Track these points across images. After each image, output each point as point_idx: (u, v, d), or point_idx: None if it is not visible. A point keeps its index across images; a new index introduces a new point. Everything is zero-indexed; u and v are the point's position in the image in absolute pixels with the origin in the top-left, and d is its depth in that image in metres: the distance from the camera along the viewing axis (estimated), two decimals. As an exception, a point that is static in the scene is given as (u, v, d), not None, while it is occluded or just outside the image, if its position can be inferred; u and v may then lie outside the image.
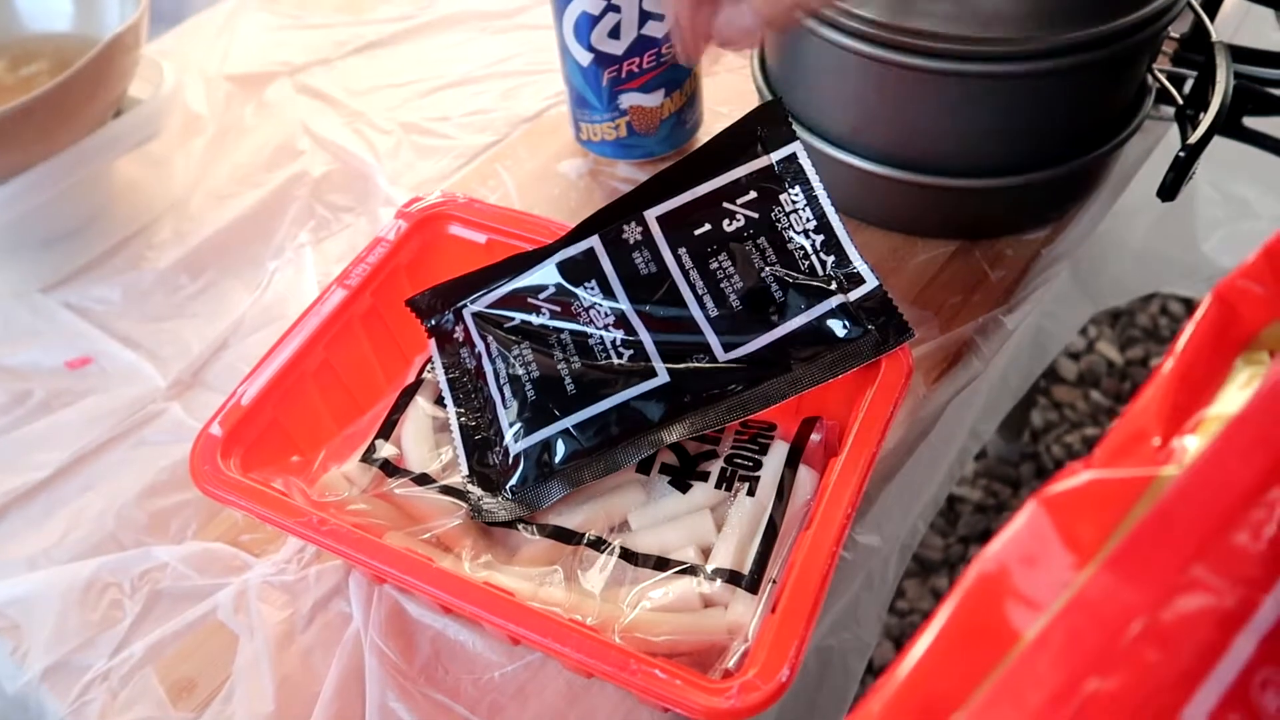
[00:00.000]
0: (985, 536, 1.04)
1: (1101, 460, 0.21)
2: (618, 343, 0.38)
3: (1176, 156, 0.44)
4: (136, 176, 0.60)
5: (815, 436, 0.38)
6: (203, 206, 0.59)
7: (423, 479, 0.39)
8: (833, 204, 0.41)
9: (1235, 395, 0.22)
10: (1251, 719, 0.17)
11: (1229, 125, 0.52)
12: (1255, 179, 0.71)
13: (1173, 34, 0.53)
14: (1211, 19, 0.51)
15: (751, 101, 0.59)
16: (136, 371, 0.51)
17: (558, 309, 0.39)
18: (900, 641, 0.97)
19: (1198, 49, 0.51)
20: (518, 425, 0.38)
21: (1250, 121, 0.52)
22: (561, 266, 0.40)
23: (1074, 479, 0.20)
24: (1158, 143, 0.59)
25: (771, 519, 0.35)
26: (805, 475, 0.37)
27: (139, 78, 0.57)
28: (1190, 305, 1.12)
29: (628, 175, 0.57)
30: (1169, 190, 0.45)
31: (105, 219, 0.58)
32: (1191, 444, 0.20)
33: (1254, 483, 0.18)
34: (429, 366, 0.42)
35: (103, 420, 0.48)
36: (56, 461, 0.47)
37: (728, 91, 0.62)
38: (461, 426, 0.39)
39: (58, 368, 0.52)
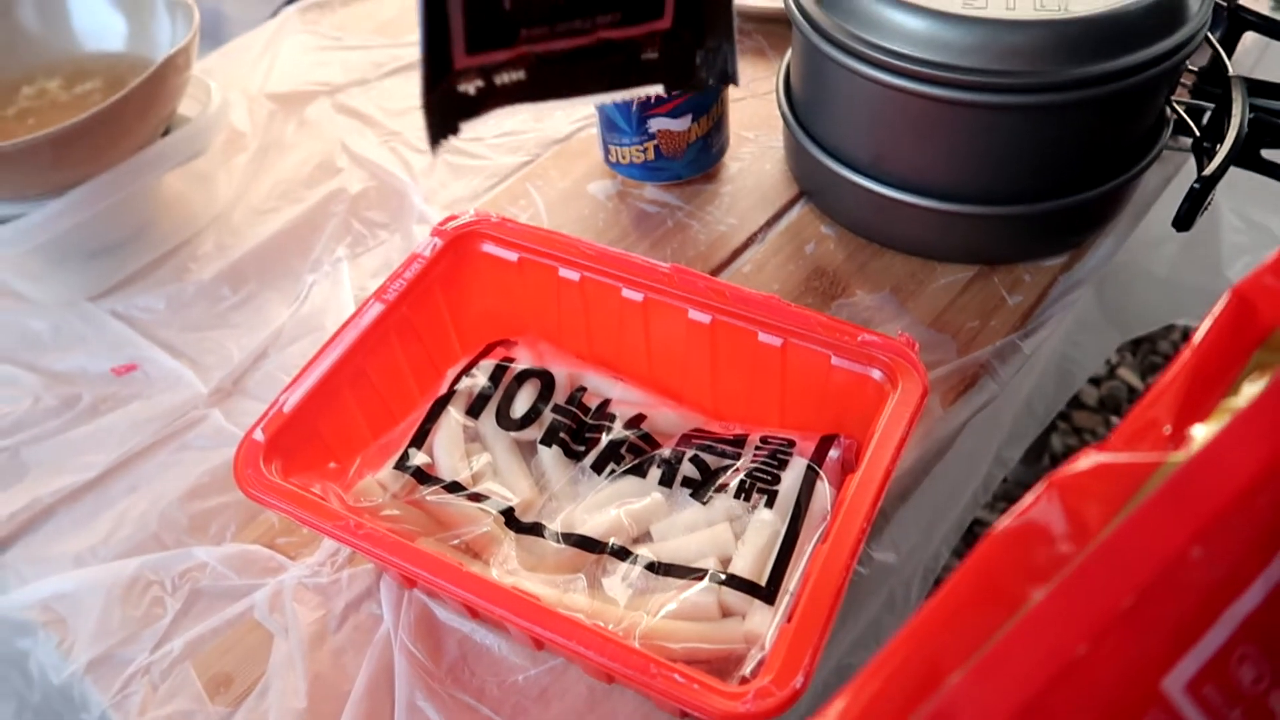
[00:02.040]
0: (1004, 559, 1.03)
1: (1113, 445, 0.22)
2: None
3: (1191, 188, 0.45)
4: (182, 190, 0.62)
5: (834, 453, 0.39)
6: (244, 221, 0.61)
7: (453, 486, 0.40)
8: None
9: (1249, 388, 0.23)
10: (1226, 689, 0.18)
11: (1246, 157, 0.52)
12: (1279, 208, 0.72)
13: (1191, 67, 0.54)
14: (1229, 54, 0.52)
15: (776, 126, 0.61)
16: (179, 378, 0.53)
17: None
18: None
19: (1215, 83, 0.52)
20: None
21: (1269, 154, 0.53)
22: None
23: (1086, 461, 0.22)
24: (1177, 172, 0.60)
25: (789, 532, 0.37)
26: (823, 490, 0.38)
27: (187, 96, 0.60)
28: (1213, 333, 1.12)
29: (655, 197, 0.59)
30: (1184, 221, 0.46)
31: (152, 231, 0.60)
32: (1201, 432, 0.22)
33: (1257, 472, 0.19)
34: (461, 378, 0.44)
35: (147, 425, 0.50)
36: (103, 464, 0.49)
37: (754, 117, 0.64)
38: None
39: (104, 373, 0.54)
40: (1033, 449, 1.09)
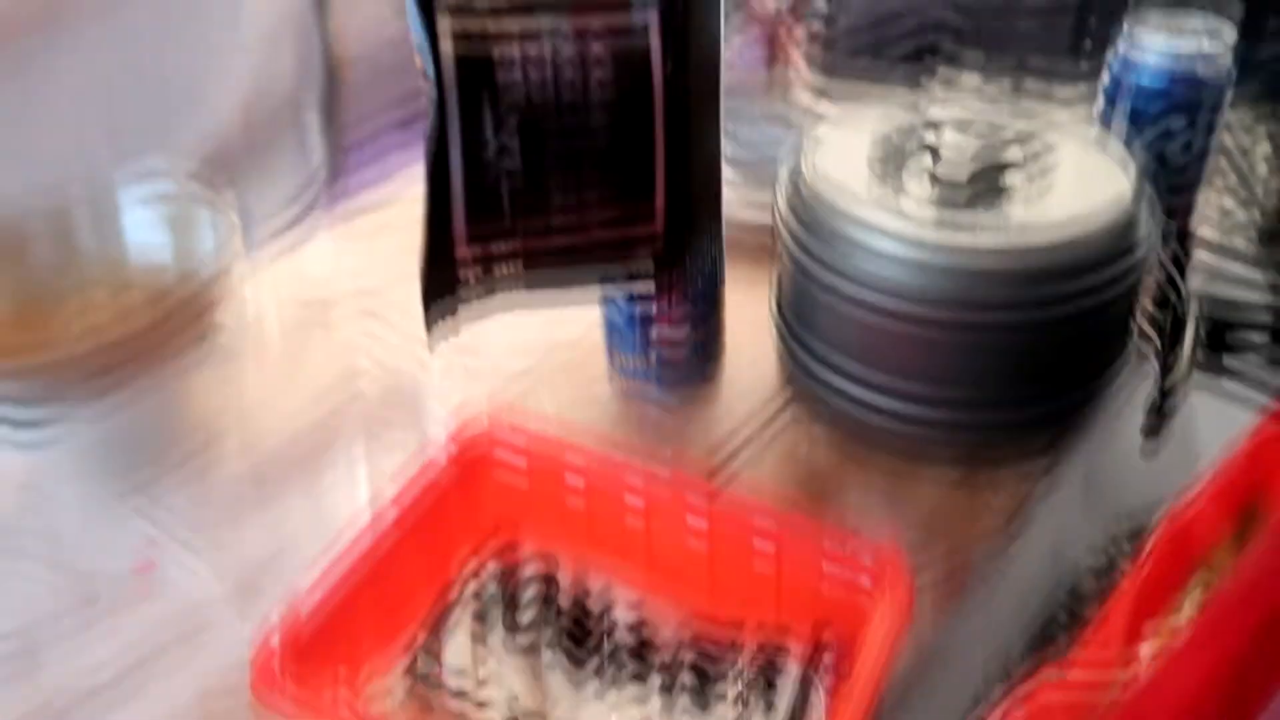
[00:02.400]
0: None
1: (1072, 662, 0.24)
2: None
3: (1153, 398, 0.49)
4: (212, 393, 0.66)
5: (827, 658, 0.41)
6: (269, 421, 0.65)
7: (459, 693, 0.42)
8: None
9: (1189, 607, 0.25)
10: None
11: (1210, 364, 0.56)
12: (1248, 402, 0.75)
13: (1151, 282, 0.59)
14: (1181, 272, 0.57)
15: (768, 334, 0.65)
16: (196, 577, 0.55)
17: None
18: None
19: (1170, 299, 0.56)
20: None
21: (1231, 360, 0.57)
22: None
23: (1044, 678, 0.24)
24: (1149, 376, 0.63)
25: (785, 742, 0.38)
26: (817, 699, 0.39)
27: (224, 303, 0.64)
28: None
29: (656, 401, 0.63)
30: (1151, 429, 0.49)
31: (180, 431, 0.63)
32: (1146, 651, 0.24)
33: (1197, 695, 0.21)
34: (469, 581, 0.46)
35: (162, 624, 0.52)
36: (116, 666, 0.50)
37: (748, 323, 0.68)
38: None
39: (124, 572, 0.56)
40: (1037, 645, 1.08)
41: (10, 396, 0.57)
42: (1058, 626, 1.10)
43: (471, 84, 0.30)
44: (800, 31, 2.21)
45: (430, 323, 0.35)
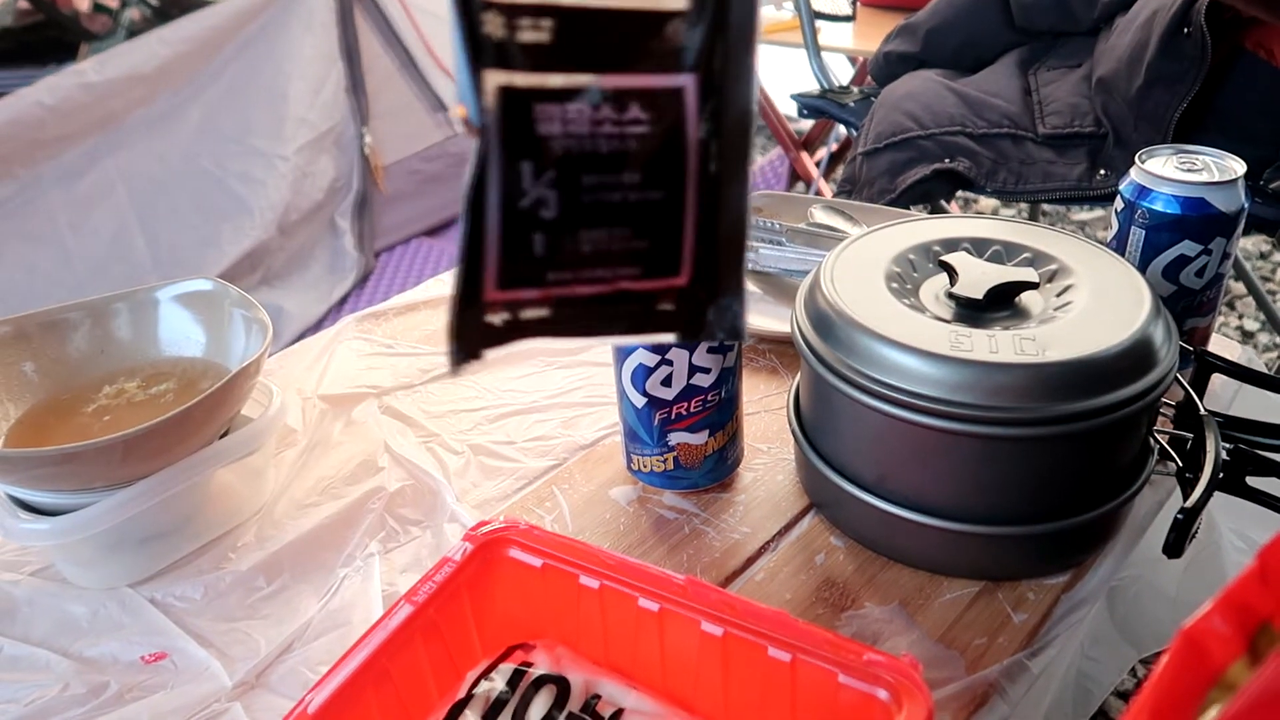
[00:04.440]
0: None
1: None
2: None
3: (1175, 517, 0.48)
4: (231, 483, 0.67)
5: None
6: (286, 514, 0.65)
7: (466, 796, 0.41)
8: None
9: None
10: None
11: (1232, 484, 0.56)
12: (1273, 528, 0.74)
13: (1170, 401, 0.59)
14: (1200, 392, 0.57)
15: (788, 439, 0.66)
16: (206, 669, 0.54)
17: None
18: None
19: (1190, 419, 0.56)
20: None
21: (1254, 480, 0.56)
22: None
23: None
24: (1170, 494, 0.63)
25: None
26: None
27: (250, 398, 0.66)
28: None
29: (673, 504, 0.63)
30: (1173, 548, 0.49)
31: (198, 521, 0.64)
32: None
33: None
34: (479, 681, 0.45)
35: (170, 716, 0.51)
36: (120, 757, 0.50)
37: (767, 430, 0.69)
38: None
39: (135, 662, 0.55)
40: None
41: (36, 482, 0.58)
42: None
43: (513, 135, 0.32)
44: (822, 154, 2.28)
45: (455, 362, 0.35)
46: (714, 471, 0.63)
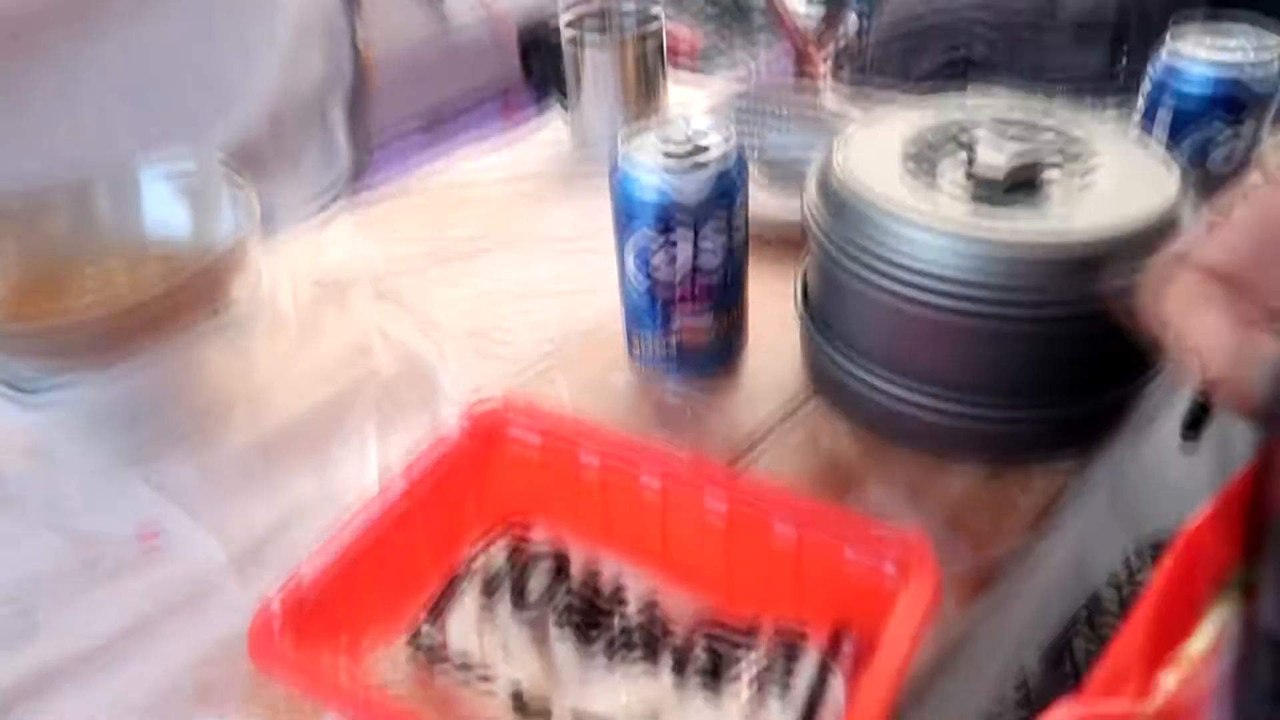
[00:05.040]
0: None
1: (1089, 694, 0.22)
2: None
3: (1195, 401, 0.47)
4: (223, 365, 0.65)
5: (847, 647, 0.39)
6: (279, 397, 0.64)
7: (463, 666, 0.40)
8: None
9: (1208, 633, 0.23)
10: None
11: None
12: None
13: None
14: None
15: (791, 326, 0.64)
16: (201, 546, 0.53)
17: None
18: None
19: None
20: None
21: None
22: None
23: (1062, 713, 0.22)
24: (1184, 383, 0.61)
25: (801, 727, 0.36)
26: (836, 685, 0.38)
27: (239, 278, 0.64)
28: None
29: (676, 389, 0.61)
30: (1189, 432, 0.47)
31: (190, 403, 0.62)
32: (1168, 681, 0.22)
33: None
34: (477, 556, 0.44)
35: (164, 592, 0.51)
36: (116, 629, 0.49)
37: (772, 316, 0.67)
38: None
39: (128, 537, 0.54)
40: (1054, 654, 1.06)
41: (21, 359, 0.57)
42: (1075, 634, 1.09)
43: None
44: (830, 47, 2.20)
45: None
46: (718, 356, 0.61)
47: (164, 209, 0.68)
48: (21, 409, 0.56)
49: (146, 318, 0.56)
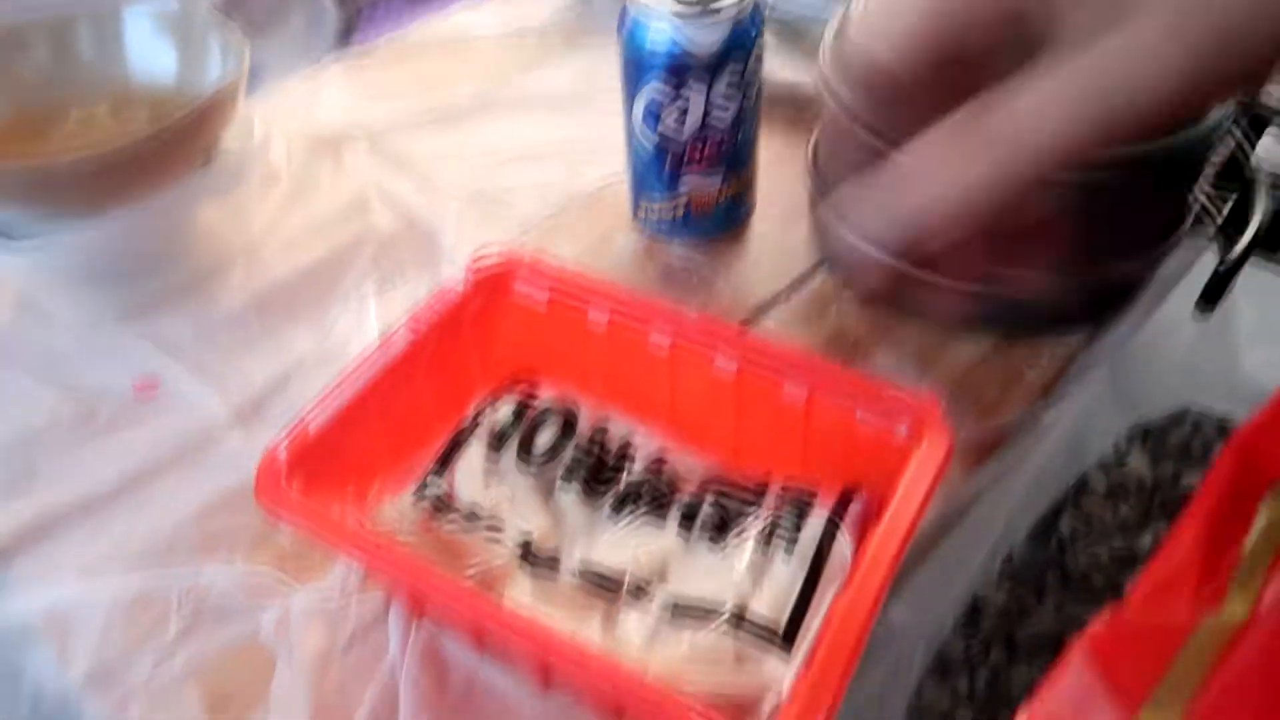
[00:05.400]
0: (1008, 641, 1.03)
1: (1138, 606, 0.22)
2: None
3: (1215, 271, 0.46)
4: (216, 220, 0.64)
5: (855, 506, 0.39)
6: (274, 253, 0.62)
7: (470, 517, 0.40)
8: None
9: (1259, 534, 0.23)
10: None
11: (1270, 243, 0.53)
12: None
13: (1215, 159, 0.55)
14: (1252, 146, 0.53)
15: (801, 198, 0.62)
16: (200, 400, 0.53)
17: None
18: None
19: (1237, 174, 0.53)
20: None
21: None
22: None
23: (1110, 623, 0.21)
24: (1197, 259, 0.61)
25: (809, 580, 0.36)
26: (843, 542, 0.38)
27: (229, 130, 0.61)
28: (1224, 426, 1.12)
29: (681, 253, 0.60)
30: (1207, 301, 0.47)
31: (183, 257, 0.61)
32: (1238, 595, 0.21)
33: None
34: (484, 411, 0.44)
35: (164, 443, 0.50)
36: (116, 479, 0.49)
37: (782, 182, 0.65)
38: None
39: (125, 391, 0.54)
40: (1041, 530, 1.09)
41: (7, 203, 0.55)
42: (1063, 511, 1.11)
43: None
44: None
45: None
46: (726, 220, 0.60)
47: (149, 50, 0.65)
48: (9, 254, 0.55)
49: (135, 163, 0.54)
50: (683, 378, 0.44)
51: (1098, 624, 0.21)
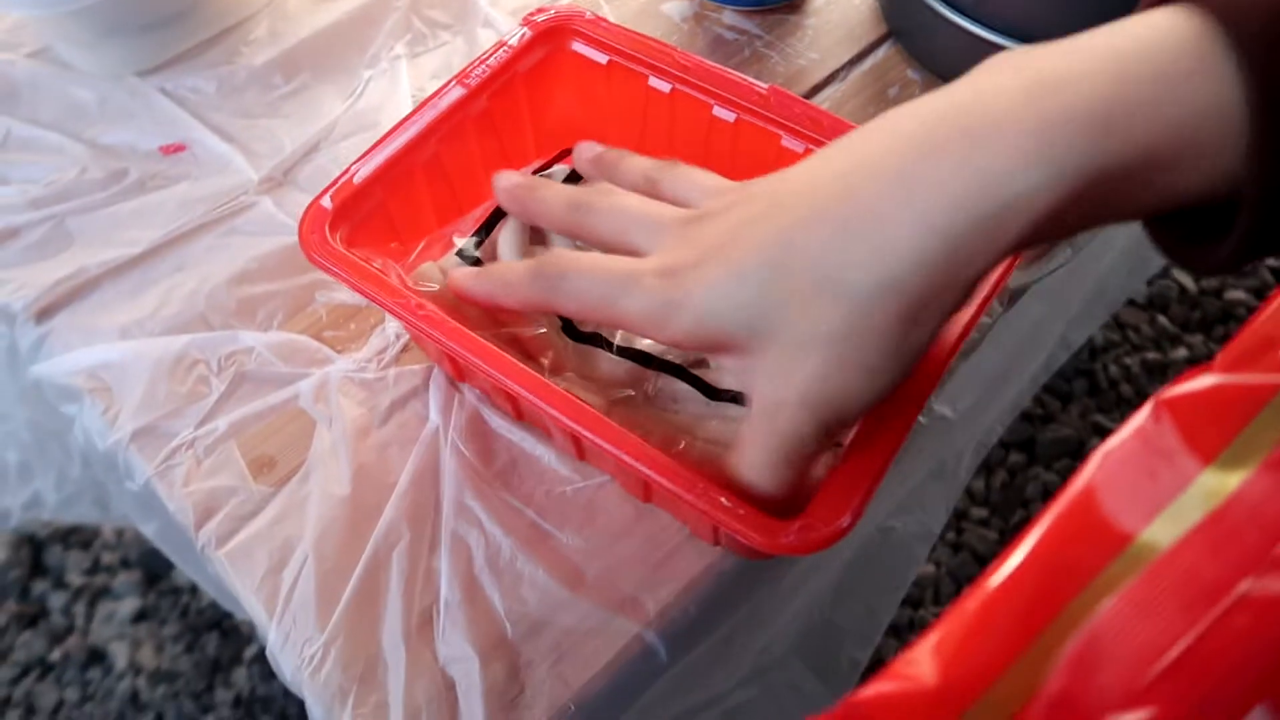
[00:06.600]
0: (1028, 446, 1.04)
1: (1225, 365, 0.20)
2: None
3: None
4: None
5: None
6: (300, 8, 0.58)
7: (515, 285, 0.39)
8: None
9: None
10: None
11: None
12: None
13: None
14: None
15: (869, -42, 0.57)
16: (229, 163, 0.51)
17: None
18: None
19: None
20: None
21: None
22: None
23: (1196, 382, 0.20)
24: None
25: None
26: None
27: None
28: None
29: (734, 23, 0.56)
30: None
31: (203, 10, 0.57)
32: None
33: None
34: (535, 174, 0.42)
35: (195, 206, 0.49)
36: (149, 240, 0.48)
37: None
38: None
39: (152, 151, 0.52)
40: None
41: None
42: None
43: None
44: None
45: None
46: (785, -12, 0.55)
47: None
48: (26, 4, 0.51)
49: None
50: (746, 155, 0.42)
51: (1180, 382, 0.20)
